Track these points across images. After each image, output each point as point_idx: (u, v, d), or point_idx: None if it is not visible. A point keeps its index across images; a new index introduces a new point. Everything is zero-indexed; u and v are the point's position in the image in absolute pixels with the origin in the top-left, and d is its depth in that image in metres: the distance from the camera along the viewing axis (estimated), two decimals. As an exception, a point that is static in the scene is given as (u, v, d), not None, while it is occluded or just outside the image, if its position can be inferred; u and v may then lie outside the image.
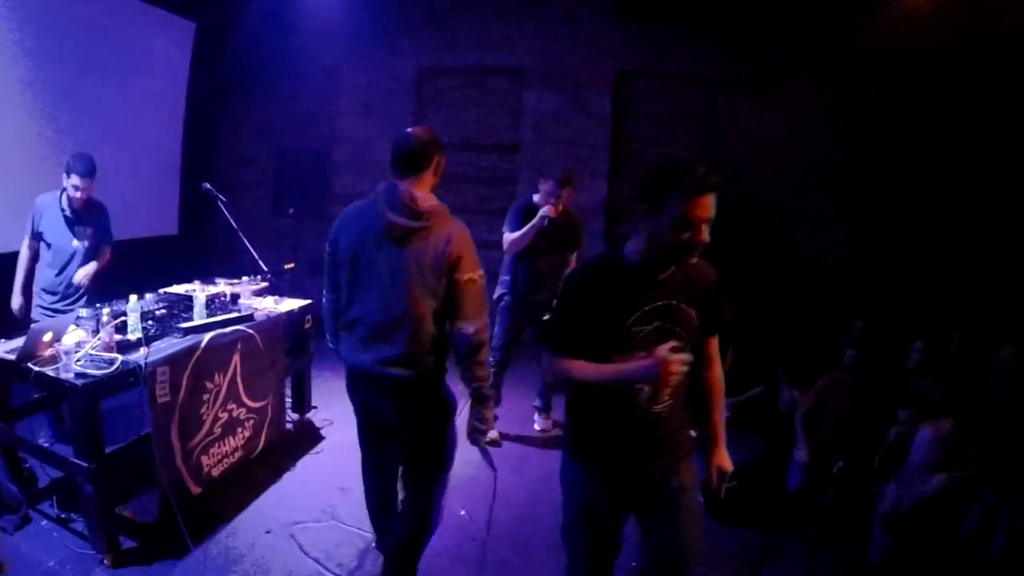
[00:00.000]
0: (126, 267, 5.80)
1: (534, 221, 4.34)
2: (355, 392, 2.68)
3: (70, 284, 4.14)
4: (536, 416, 4.96)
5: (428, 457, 2.68)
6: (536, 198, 4.52)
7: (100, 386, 2.83)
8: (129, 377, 2.94)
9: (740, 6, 6.79)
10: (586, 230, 7.10)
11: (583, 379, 1.99)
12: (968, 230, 6.39)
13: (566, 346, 2.00)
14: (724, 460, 2.20)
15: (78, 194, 3.95)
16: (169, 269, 6.03)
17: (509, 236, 4.49)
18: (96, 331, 3.35)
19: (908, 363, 4.40)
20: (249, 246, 4.78)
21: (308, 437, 4.46)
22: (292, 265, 6.96)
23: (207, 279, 4.82)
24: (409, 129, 2.68)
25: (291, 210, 6.93)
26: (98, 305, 3.78)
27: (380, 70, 7.73)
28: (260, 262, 4.91)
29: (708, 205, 1.86)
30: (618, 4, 7.07)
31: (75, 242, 4.12)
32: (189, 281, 4.85)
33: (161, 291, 4.36)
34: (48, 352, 3.11)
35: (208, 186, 4.91)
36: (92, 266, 4.20)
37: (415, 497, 2.71)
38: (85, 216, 4.12)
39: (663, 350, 1.83)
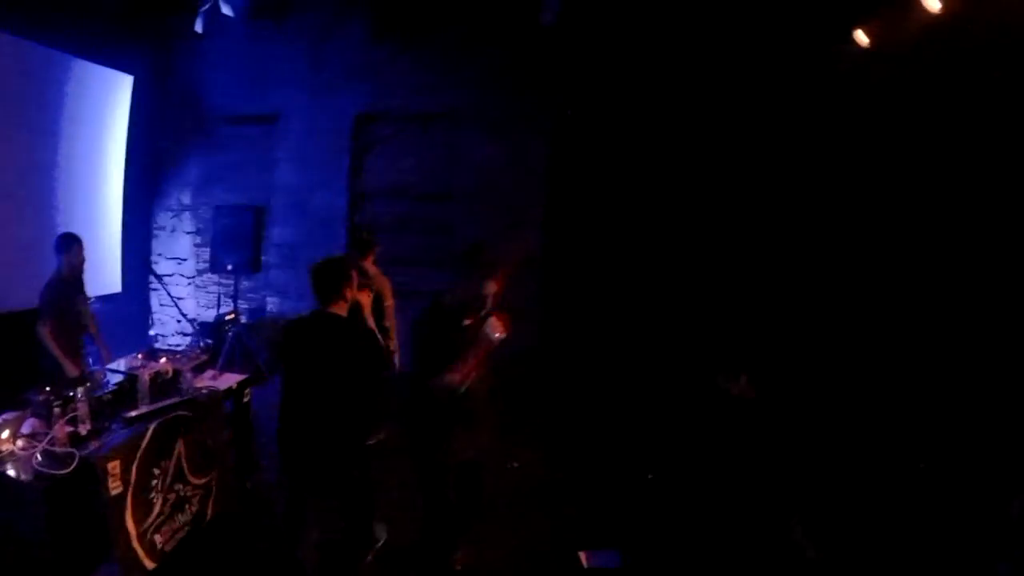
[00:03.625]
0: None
1: (481, 343, 3.04)
2: None
3: None
4: None
5: None
6: (450, 296, 3.27)
7: (60, 486, 3.12)
8: (84, 474, 3.24)
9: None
10: (521, 281, 7.55)
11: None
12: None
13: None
14: None
15: None
16: (114, 330, 6.22)
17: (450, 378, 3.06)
18: (47, 420, 3.62)
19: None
20: (192, 324, 5.05)
21: (257, 503, 4.74)
22: (233, 315, 7.25)
23: (149, 352, 5.04)
24: None
25: (229, 266, 7.19)
26: (48, 389, 4.01)
27: (318, 118, 7.94)
28: (201, 336, 5.21)
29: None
30: (556, 49, 7.26)
31: None
32: (133, 348, 5.12)
33: (107, 367, 4.62)
34: (7, 448, 3.38)
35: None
36: None
37: None
38: None
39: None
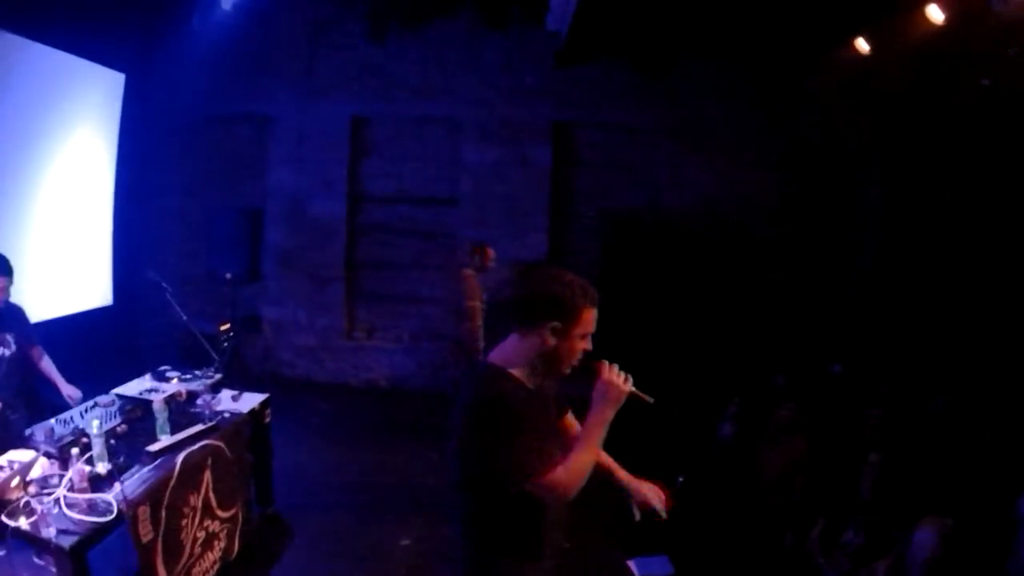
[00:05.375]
0: (63, 352, 5.59)
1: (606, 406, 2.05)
2: None
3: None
4: None
5: None
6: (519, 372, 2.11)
7: (88, 539, 2.80)
8: (113, 523, 2.92)
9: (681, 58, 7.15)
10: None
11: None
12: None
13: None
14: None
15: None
16: (107, 347, 5.83)
17: (562, 478, 2.05)
18: (58, 459, 3.28)
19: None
20: (203, 340, 4.75)
21: (278, 531, 4.48)
22: (228, 325, 6.86)
23: (157, 373, 4.73)
24: None
25: (228, 275, 6.82)
26: (54, 423, 3.66)
27: (314, 119, 7.63)
28: (212, 352, 4.91)
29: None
30: (558, 54, 7.17)
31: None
32: (133, 367, 4.79)
33: (113, 393, 4.26)
34: (17, 496, 3.03)
35: (153, 274, 4.86)
36: (72, 390, 4.16)
37: None
38: (3, 321, 3.92)
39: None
